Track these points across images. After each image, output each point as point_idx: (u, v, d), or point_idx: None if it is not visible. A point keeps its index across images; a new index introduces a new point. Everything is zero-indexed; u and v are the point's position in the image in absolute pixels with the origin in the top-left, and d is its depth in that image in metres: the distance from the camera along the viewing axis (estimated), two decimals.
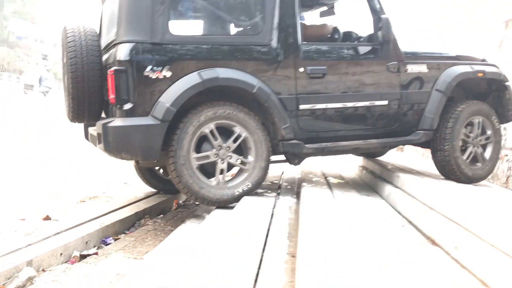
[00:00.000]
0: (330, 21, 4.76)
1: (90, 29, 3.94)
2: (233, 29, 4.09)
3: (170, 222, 4.27)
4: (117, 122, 3.54)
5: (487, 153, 4.70)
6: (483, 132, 4.68)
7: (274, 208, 3.63)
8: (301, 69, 3.98)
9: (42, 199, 4.99)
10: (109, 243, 3.55)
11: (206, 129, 3.71)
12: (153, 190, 5.27)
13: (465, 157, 4.57)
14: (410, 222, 3.32)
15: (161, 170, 5.13)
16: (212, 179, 3.76)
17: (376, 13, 4.24)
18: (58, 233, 3.34)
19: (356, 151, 4.85)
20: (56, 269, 2.89)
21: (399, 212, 3.62)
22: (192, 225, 3.55)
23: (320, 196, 3.85)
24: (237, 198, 3.78)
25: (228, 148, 3.78)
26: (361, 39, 4.48)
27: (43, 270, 2.83)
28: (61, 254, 3.02)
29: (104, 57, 3.92)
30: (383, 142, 4.34)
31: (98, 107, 3.93)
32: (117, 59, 3.56)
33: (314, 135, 4.12)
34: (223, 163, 3.78)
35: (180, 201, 5.20)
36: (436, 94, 4.43)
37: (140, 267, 2.56)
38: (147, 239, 3.69)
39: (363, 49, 4.28)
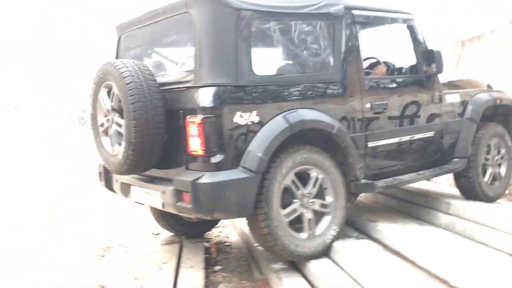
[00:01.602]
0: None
1: (143, 65, 3.46)
2: (305, 67, 3.85)
3: (237, 275, 3.88)
4: (208, 177, 3.13)
5: (502, 170, 5.04)
6: (498, 151, 5.01)
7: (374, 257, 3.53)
8: (367, 105, 3.91)
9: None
10: None
11: (288, 181, 3.44)
12: (170, 234, 4.83)
13: (486, 179, 4.85)
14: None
15: None
16: (303, 233, 3.52)
17: (420, 44, 4.32)
18: None
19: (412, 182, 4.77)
20: None
21: (484, 244, 3.70)
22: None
23: (400, 234, 3.83)
24: (329, 246, 3.61)
25: (309, 195, 3.55)
26: (403, 70, 4.52)
27: None
28: None
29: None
30: (433, 172, 4.43)
31: (157, 157, 3.47)
32: (202, 105, 3.17)
33: (378, 172, 4.06)
34: (308, 212, 3.55)
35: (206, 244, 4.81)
36: (467, 122, 4.64)
37: None
38: None
39: (413, 81, 4.35)
